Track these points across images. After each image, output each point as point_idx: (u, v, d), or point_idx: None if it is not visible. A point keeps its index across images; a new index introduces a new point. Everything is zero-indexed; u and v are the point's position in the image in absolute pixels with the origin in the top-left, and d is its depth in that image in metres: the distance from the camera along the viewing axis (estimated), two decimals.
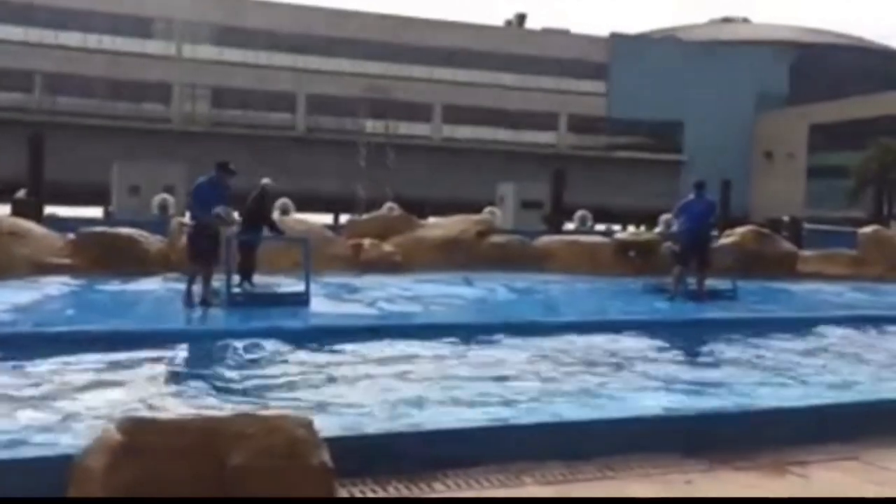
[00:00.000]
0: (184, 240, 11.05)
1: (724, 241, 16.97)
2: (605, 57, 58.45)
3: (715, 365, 7.84)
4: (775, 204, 48.80)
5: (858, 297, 14.29)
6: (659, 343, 8.60)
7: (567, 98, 57.69)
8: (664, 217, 26.65)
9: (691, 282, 12.87)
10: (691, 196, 12.78)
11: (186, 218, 10.48)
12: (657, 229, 25.36)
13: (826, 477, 4.44)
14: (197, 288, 10.08)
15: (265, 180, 11.81)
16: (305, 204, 34.43)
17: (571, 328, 8.97)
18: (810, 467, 4.55)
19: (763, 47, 61.71)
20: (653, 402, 5.97)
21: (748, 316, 11.15)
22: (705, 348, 8.79)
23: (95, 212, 27.31)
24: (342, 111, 52.77)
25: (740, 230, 17.60)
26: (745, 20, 74.38)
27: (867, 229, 18.79)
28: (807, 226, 26.19)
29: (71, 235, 13.55)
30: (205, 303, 10.03)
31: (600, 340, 8.51)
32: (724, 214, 24.87)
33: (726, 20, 73.77)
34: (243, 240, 11.19)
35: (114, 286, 11.66)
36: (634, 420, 5.14)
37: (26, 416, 5.20)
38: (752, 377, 7.16)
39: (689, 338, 9.20)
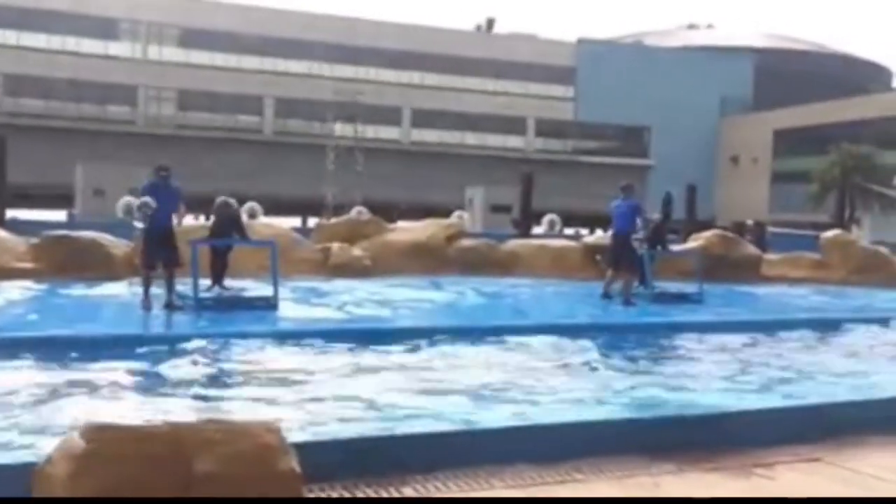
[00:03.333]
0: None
1: (690, 244, 17.18)
2: (573, 61, 58.83)
3: (666, 369, 7.89)
4: (740, 208, 49.46)
5: (822, 299, 14.52)
6: (615, 345, 8.69)
7: (535, 102, 57.95)
8: None
9: (658, 285, 13.02)
10: (619, 200, 12.71)
11: (139, 224, 10.35)
12: None
13: (791, 477, 4.50)
14: (159, 291, 10.01)
15: (219, 199, 11.63)
16: (273, 207, 34.23)
17: (530, 331, 9.03)
18: (776, 468, 4.61)
19: (727, 53, 62.54)
20: (609, 408, 6.02)
21: (692, 319, 11.14)
22: (653, 352, 8.87)
23: (59, 215, 26.85)
24: (310, 114, 52.54)
25: (706, 234, 17.80)
26: (710, 26, 75.34)
27: (829, 233, 19.11)
28: (771, 229, 26.58)
29: (34, 240, 13.33)
30: (169, 306, 9.95)
31: (565, 343, 8.55)
32: (689, 218, 25.18)
33: (691, 26, 74.66)
34: (211, 245, 11.15)
35: (77, 290, 11.49)
36: (602, 423, 5.18)
37: None
38: (706, 381, 7.22)
39: (639, 340, 9.29)
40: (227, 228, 11.34)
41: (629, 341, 9.11)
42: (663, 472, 4.44)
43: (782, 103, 55.26)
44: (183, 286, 10.29)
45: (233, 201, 11.81)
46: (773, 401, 6.37)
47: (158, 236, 9.95)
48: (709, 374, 7.49)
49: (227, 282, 11.46)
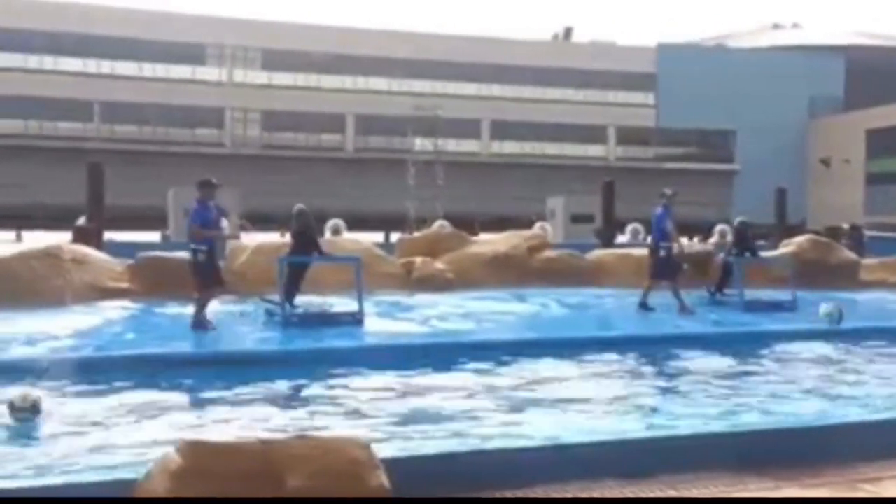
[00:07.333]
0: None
1: (782, 250, 16.63)
2: (653, 67, 57.98)
3: (761, 379, 7.63)
4: (833, 211, 47.73)
5: None
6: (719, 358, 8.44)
7: (615, 110, 57.34)
8: (718, 227, 26.22)
9: (749, 293, 12.68)
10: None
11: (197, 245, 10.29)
12: (711, 240, 24.95)
13: None
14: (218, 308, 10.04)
15: (297, 207, 11.65)
16: (356, 223, 34.70)
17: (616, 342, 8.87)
18: (883, 483, 4.38)
19: (816, 52, 60.55)
20: (712, 419, 5.85)
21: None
22: (748, 362, 8.59)
23: (153, 236, 27.81)
24: (391, 130, 53.20)
25: (798, 239, 17.20)
26: (796, 26, 73.15)
27: None
28: (868, 233, 25.50)
29: (129, 261, 13.81)
30: (199, 325, 9.79)
31: (651, 354, 8.37)
32: (780, 223, 24.38)
33: (776, 26, 72.64)
34: (293, 262, 11.24)
35: (171, 309, 11.84)
36: (694, 437, 5.03)
37: (88, 440, 5.29)
38: (806, 392, 6.96)
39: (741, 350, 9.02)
40: (308, 239, 11.32)
41: (718, 352, 8.85)
42: (760, 489, 4.27)
43: (875, 102, 53.14)
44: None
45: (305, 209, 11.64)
46: (879, 413, 6.08)
47: (214, 255, 10.10)
48: (809, 386, 7.21)
49: (312, 298, 11.55)
